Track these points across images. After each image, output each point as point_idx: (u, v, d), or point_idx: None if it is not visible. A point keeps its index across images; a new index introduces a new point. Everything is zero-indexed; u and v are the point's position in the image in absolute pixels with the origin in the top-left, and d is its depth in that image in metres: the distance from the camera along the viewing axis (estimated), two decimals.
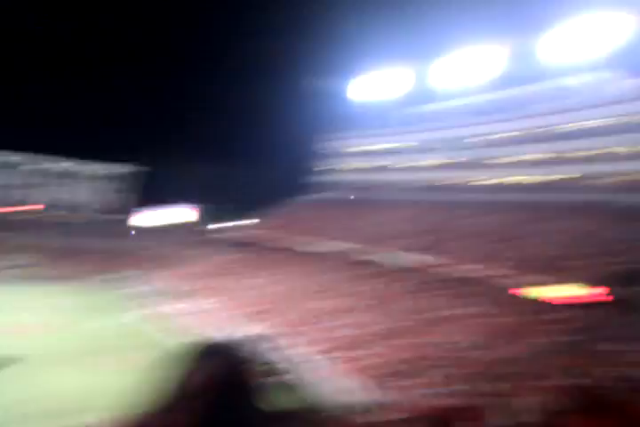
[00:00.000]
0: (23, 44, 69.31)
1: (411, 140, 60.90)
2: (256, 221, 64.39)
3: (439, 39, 52.38)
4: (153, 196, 68.43)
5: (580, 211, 37.19)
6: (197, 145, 67.71)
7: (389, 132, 62.57)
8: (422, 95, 60.68)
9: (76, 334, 30.09)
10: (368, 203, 57.79)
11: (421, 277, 35.02)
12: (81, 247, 54.95)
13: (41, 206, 67.11)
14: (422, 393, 18.62)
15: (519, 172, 49.30)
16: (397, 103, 63.57)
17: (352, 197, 63.41)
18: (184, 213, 74.83)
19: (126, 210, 70.38)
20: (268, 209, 62.70)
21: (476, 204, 46.45)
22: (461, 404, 14.63)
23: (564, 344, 22.19)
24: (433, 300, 30.92)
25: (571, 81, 46.80)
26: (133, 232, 67.42)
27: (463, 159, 54.79)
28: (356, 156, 66.79)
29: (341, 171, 67.95)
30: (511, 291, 29.87)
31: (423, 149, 59.29)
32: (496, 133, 52.28)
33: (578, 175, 43.67)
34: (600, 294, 26.35)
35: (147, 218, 71.71)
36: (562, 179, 45.14)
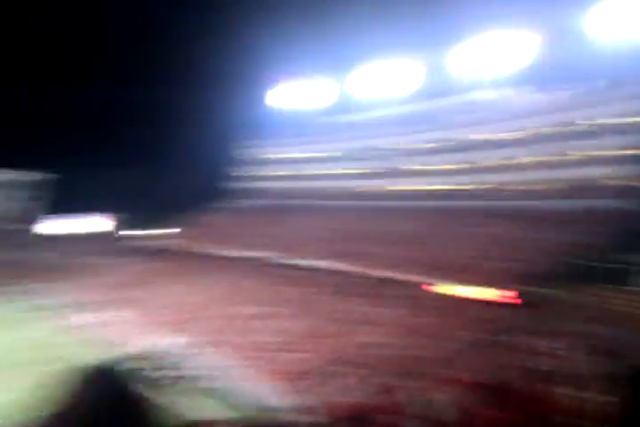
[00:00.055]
0: None
1: (331, 149, 61.67)
2: (174, 228, 62.82)
3: (357, 50, 53.53)
4: (66, 203, 65.14)
5: (493, 217, 38.95)
6: (114, 151, 65.28)
7: (310, 140, 63.12)
8: (343, 105, 61.73)
9: None
10: (287, 210, 57.85)
11: (341, 281, 35.35)
12: None
13: None
14: (342, 393, 18.67)
15: (435, 180, 51.02)
16: (318, 112, 64.31)
17: (271, 203, 63.29)
18: (98, 222, 71.86)
19: (36, 219, 66.65)
20: (187, 216, 61.36)
21: (396, 210, 47.61)
22: (379, 401, 14.77)
23: (478, 341, 23.07)
24: (353, 303, 31.27)
25: (482, 95, 49.10)
26: (42, 241, 63.88)
27: (382, 168, 56.10)
28: (276, 163, 66.83)
29: (261, 178, 67.74)
30: (428, 293, 30.74)
31: (343, 158, 60.22)
32: (414, 144, 53.93)
33: (490, 183, 45.74)
34: (509, 294, 27.63)
35: (57, 226, 68.25)
36: (475, 187, 47.12)
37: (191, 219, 60.44)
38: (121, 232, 69.39)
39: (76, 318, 34.88)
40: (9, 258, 52.72)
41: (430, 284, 31.50)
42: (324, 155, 61.95)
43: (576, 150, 40.51)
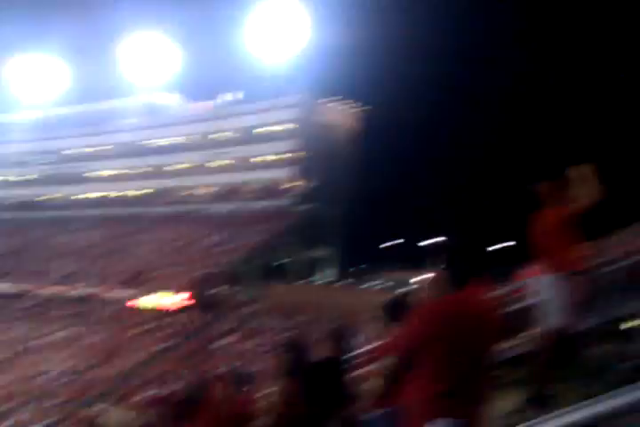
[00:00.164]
0: None
1: None
2: None
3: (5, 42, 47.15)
4: None
5: (174, 221, 39.15)
6: None
7: None
8: None
9: None
10: None
11: (7, 304, 31.25)
12: None
13: None
14: None
15: (113, 186, 48.84)
16: None
17: None
18: None
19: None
20: None
21: (74, 220, 43.94)
22: None
23: (163, 351, 22.98)
24: (29, 327, 27.94)
25: (142, 99, 48.61)
26: None
27: (50, 174, 51.15)
28: None
29: None
30: (110, 306, 29.36)
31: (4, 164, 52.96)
32: (77, 148, 50.64)
33: (169, 188, 45.73)
34: (188, 300, 28.17)
35: None
36: (146, 192, 46.64)
37: None
38: None
39: None
40: None
41: (113, 296, 30.16)
42: None
43: (237, 155, 43.55)
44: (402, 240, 35.25)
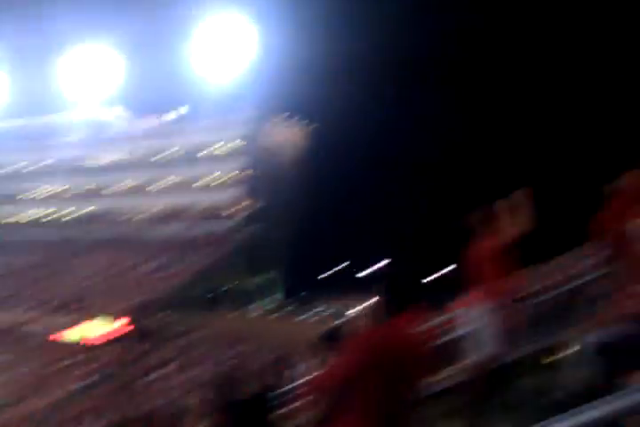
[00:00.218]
0: None
1: None
2: None
3: None
4: None
5: (112, 245, 37.80)
6: None
7: None
8: None
9: None
10: None
11: None
12: None
13: None
14: None
15: (48, 207, 46.90)
16: None
17: None
18: None
19: None
20: None
21: (4, 244, 41.70)
22: None
23: (89, 385, 21.77)
24: None
25: (80, 115, 47.30)
26: None
27: None
28: None
29: None
30: (37, 335, 27.88)
31: None
32: (10, 166, 48.54)
33: (108, 209, 44.27)
34: (124, 328, 27.14)
35: None
36: (92, 213, 44.99)
37: None
38: None
39: None
40: None
41: (45, 325, 28.66)
42: None
43: (181, 175, 42.35)
44: (348, 265, 35.15)
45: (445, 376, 4.44)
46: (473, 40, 39.81)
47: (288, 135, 42.66)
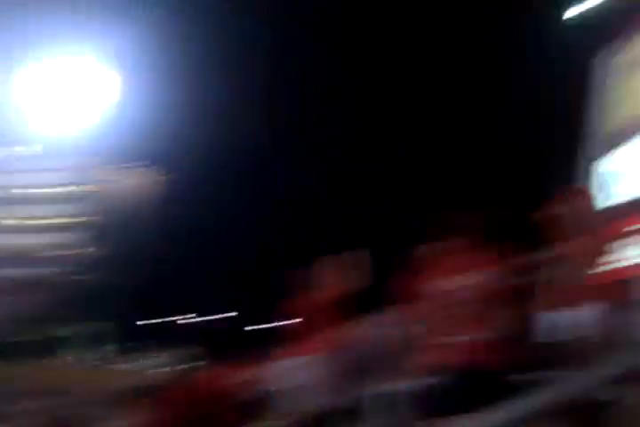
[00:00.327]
0: None
1: None
2: None
3: None
4: None
5: None
6: None
7: None
8: None
9: None
10: None
11: None
12: None
13: None
14: None
15: None
16: None
17: None
18: None
19: None
20: None
21: None
22: None
23: None
24: None
25: None
26: None
27: None
28: None
29: None
30: None
31: None
32: None
33: None
34: None
35: None
36: None
37: None
38: None
39: None
40: None
41: None
42: None
43: (9, 217, 39.07)
44: (183, 316, 34.34)
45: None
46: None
47: (140, 181, 41.39)
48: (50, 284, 33.19)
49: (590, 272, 3.29)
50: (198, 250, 41.79)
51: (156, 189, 42.22)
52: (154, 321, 35.58)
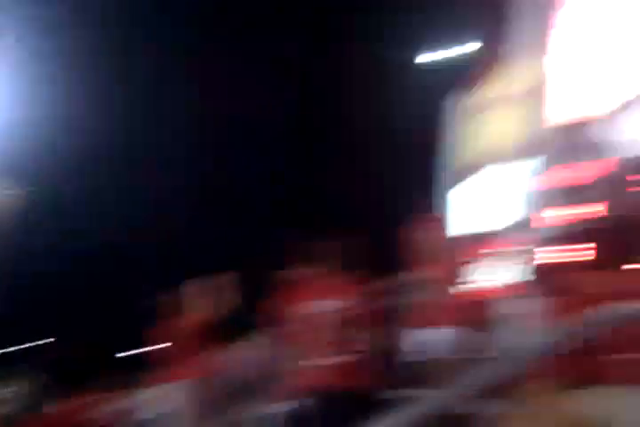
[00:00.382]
0: None
1: None
2: None
3: None
4: None
5: None
6: None
7: None
8: None
9: None
10: None
11: None
12: None
13: None
14: None
15: None
16: None
17: None
18: None
19: None
20: None
21: None
22: None
23: None
24: None
25: None
26: None
27: None
28: None
29: None
30: None
31: None
32: None
33: None
34: None
35: None
36: None
37: None
38: None
39: None
40: None
41: None
42: None
43: None
44: (41, 341, 31.09)
45: None
46: None
47: None
48: None
49: (446, 295, 3.50)
50: (58, 270, 38.58)
51: (14, 204, 38.35)
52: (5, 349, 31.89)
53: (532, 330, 2.86)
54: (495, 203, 6.10)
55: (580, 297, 2.55)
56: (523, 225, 5.08)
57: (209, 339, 4.16)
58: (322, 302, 3.47)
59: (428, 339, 3.33)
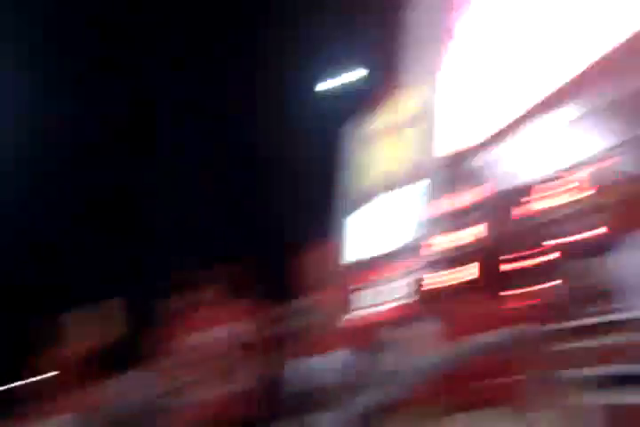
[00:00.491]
0: None
1: None
2: None
3: None
4: None
5: None
6: None
7: None
8: None
9: None
10: None
11: None
12: None
13: None
14: None
15: None
16: None
17: None
18: None
19: None
20: None
21: None
22: None
23: None
24: None
25: None
26: None
27: None
28: None
29: None
30: None
31: None
32: None
33: None
34: None
35: None
36: None
37: None
38: None
39: None
40: None
41: None
42: None
43: None
44: None
45: None
46: None
47: None
48: None
49: (336, 320, 3.55)
50: None
51: None
52: None
53: (416, 354, 2.96)
54: (386, 229, 6.29)
55: (459, 322, 2.68)
56: (411, 250, 5.29)
57: (94, 369, 3.97)
58: (209, 331, 3.41)
59: (315, 365, 3.35)
